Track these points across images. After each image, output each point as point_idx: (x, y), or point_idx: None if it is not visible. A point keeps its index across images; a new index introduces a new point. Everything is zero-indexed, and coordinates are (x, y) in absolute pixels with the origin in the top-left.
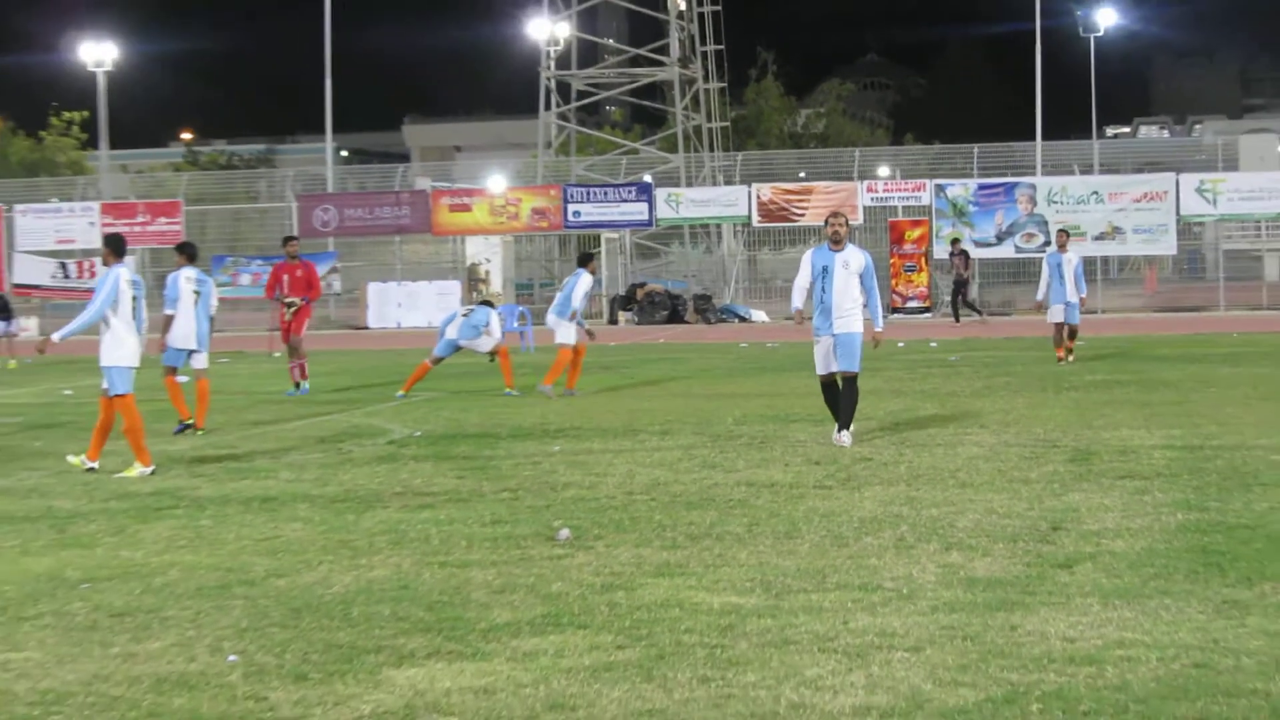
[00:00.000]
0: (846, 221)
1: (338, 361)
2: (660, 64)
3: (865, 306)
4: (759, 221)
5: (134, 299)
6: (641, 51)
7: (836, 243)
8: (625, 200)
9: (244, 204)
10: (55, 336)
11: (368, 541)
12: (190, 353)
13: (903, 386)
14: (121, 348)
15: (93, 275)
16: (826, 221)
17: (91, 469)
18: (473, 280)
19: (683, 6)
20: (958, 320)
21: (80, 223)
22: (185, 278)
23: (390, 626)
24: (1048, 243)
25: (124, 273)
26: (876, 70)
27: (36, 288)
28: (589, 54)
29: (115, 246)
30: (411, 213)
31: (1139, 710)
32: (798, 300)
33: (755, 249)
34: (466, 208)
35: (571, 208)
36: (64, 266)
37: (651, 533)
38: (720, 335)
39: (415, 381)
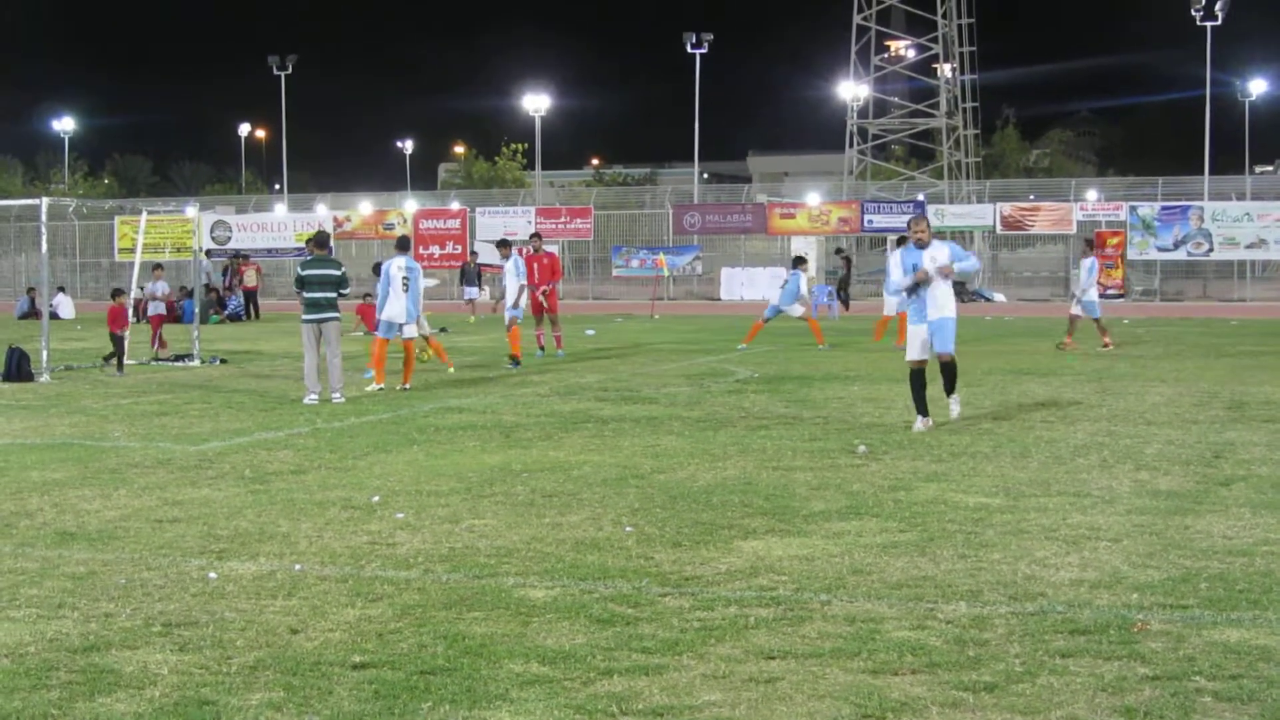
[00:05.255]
0: (928, 226)
1: (699, 323)
2: (932, 115)
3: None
4: (1001, 230)
5: (405, 279)
6: (919, 107)
7: (921, 246)
8: (905, 213)
9: (634, 210)
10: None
11: (722, 450)
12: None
13: (1103, 352)
14: (391, 309)
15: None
16: (909, 226)
17: (405, 389)
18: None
19: (949, 75)
20: (846, 308)
21: (520, 221)
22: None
23: (738, 510)
24: (1212, 250)
25: (399, 261)
26: (1087, 122)
27: (491, 266)
28: (881, 107)
29: (400, 244)
30: (753, 219)
31: None
32: (902, 289)
33: (997, 249)
34: (792, 216)
35: (867, 217)
36: None
37: (923, 450)
38: (972, 311)
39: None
